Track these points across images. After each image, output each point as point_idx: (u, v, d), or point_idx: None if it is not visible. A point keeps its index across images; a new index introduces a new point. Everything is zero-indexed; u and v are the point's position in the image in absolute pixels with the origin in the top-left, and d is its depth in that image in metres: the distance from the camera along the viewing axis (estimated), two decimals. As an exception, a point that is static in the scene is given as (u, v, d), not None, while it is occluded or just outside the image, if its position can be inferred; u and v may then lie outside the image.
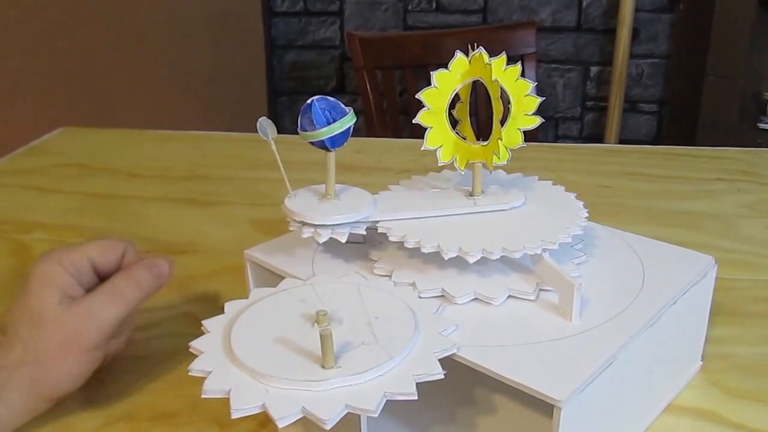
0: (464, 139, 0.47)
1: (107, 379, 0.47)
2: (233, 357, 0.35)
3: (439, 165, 0.47)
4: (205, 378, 0.34)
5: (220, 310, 0.39)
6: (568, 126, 2.08)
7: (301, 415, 0.32)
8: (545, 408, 0.33)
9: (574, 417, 0.33)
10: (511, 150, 0.44)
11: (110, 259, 0.46)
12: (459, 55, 0.45)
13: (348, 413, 0.32)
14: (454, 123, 0.47)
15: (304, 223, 0.43)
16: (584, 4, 1.95)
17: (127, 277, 0.44)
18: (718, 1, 1.71)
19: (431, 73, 0.45)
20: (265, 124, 0.43)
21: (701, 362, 0.48)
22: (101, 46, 1.89)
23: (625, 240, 0.49)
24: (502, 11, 1.98)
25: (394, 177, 0.54)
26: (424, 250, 0.41)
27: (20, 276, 0.61)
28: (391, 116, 1.61)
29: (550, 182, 0.51)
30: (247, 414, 0.32)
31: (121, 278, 0.44)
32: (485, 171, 0.46)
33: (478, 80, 0.45)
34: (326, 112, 0.42)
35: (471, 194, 0.47)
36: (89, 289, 0.44)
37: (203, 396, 0.33)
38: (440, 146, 0.46)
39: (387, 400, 0.32)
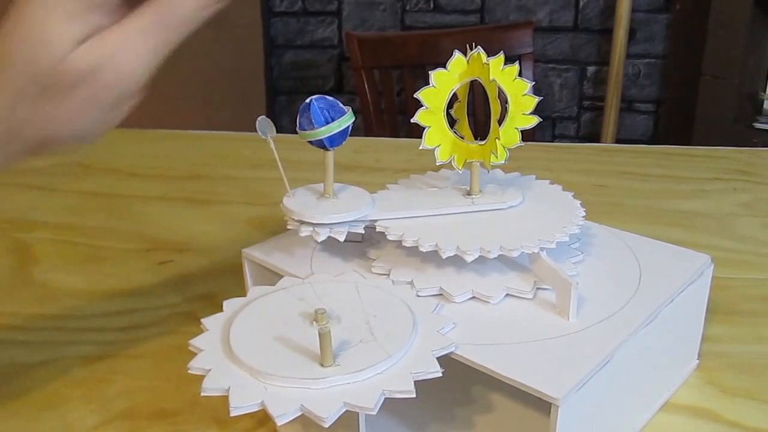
0: (462, 138, 0.47)
1: (107, 377, 0.47)
2: (232, 355, 0.35)
3: (437, 164, 0.47)
4: (204, 376, 0.34)
5: (219, 309, 0.40)
6: (565, 125, 2.08)
7: (300, 413, 0.32)
8: (543, 406, 0.33)
9: (572, 415, 0.34)
10: (509, 149, 0.44)
11: None
12: (457, 54, 0.45)
13: (346, 411, 0.32)
14: (452, 122, 0.47)
15: (302, 222, 0.43)
16: (581, 4, 1.95)
17: (162, 12, 0.33)
18: (714, 2, 1.72)
19: (429, 72, 0.45)
20: (264, 123, 0.44)
21: (697, 360, 0.48)
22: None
23: (622, 239, 0.49)
24: (500, 11, 1.99)
25: (392, 176, 0.54)
26: (422, 249, 0.42)
27: (20, 275, 0.62)
28: (389, 116, 1.61)
29: (547, 181, 0.51)
30: (246, 412, 0.32)
31: (156, 9, 0.33)
32: (483, 170, 0.46)
33: (476, 80, 0.45)
34: (325, 111, 0.42)
35: (469, 193, 0.47)
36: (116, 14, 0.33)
37: (202, 394, 0.33)
38: (438, 145, 0.46)
39: (385, 398, 0.33)
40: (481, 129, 0.44)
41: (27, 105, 0.33)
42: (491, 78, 0.42)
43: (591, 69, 2.01)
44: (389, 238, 0.43)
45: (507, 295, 0.41)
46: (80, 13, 0.32)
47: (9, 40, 0.32)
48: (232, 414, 0.32)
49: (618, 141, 2.00)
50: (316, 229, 0.43)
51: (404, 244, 0.42)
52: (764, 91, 1.76)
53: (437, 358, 0.35)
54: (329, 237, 0.43)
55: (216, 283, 0.59)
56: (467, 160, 0.46)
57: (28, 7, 0.32)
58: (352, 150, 0.90)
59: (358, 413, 0.34)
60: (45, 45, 0.32)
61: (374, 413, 0.32)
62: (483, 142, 0.45)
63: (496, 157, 0.44)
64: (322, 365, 0.34)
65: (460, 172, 0.47)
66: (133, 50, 0.33)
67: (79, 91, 0.33)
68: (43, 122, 0.33)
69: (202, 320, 0.39)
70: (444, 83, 0.45)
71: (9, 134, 0.33)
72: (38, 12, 0.32)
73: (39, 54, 0.32)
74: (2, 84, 0.33)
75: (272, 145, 0.44)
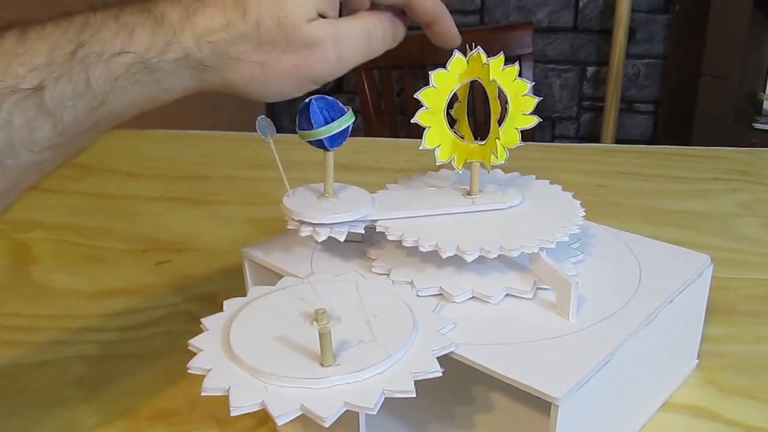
0: (462, 138, 0.47)
1: (107, 377, 0.48)
2: (232, 355, 0.35)
3: (437, 164, 0.47)
4: (204, 376, 0.34)
5: (219, 309, 0.40)
6: (564, 126, 2.08)
7: (300, 413, 0.32)
8: (543, 406, 0.33)
9: (572, 414, 0.34)
10: (509, 149, 0.45)
11: None
12: (457, 54, 0.45)
13: (347, 411, 0.32)
14: (452, 122, 0.47)
15: (302, 222, 0.43)
16: (581, 4, 1.95)
17: (383, 24, 0.41)
18: (713, 2, 1.72)
19: (429, 72, 0.45)
20: (263, 123, 0.44)
21: (697, 360, 0.48)
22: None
23: (621, 239, 0.49)
24: (500, 12, 1.99)
25: (392, 176, 0.54)
26: (422, 249, 0.42)
27: (20, 275, 0.62)
28: (389, 116, 1.61)
29: (547, 181, 0.51)
30: (246, 412, 0.32)
31: (380, 20, 0.41)
32: (483, 170, 0.46)
33: (476, 80, 0.45)
34: (325, 111, 0.42)
35: (469, 193, 0.47)
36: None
37: (202, 394, 0.33)
38: (438, 145, 0.46)
39: (385, 398, 0.33)
40: (481, 129, 0.44)
41: (249, 45, 0.37)
42: (491, 78, 0.42)
43: (591, 69, 2.01)
44: (389, 238, 0.43)
45: (507, 295, 0.41)
46: None
47: None
48: (233, 414, 0.32)
49: (618, 141, 2.00)
50: (316, 229, 0.43)
51: (404, 244, 0.42)
52: (764, 92, 1.76)
53: (437, 358, 0.35)
54: (329, 237, 0.43)
55: (216, 283, 0.59)
56: (467, 160, 0.46)
57: None
58: (352, 150, 0.90)
59: (358, 413, 0.34)
60: (297, 2, 0.37)
61: (374, 413, 0.32)
62: (483, 142, 0.45)
63: (496, 157, 0.44)
64: (322, 365, 0.34)
65: (460, 172, 0.47)
66: (353, 43, 0.39)
67: (299, 56, 0.38)
68: (251, 67, 0.37)
69: (202, 320, 0.39)
70: (444, 83, 0.45)
71: (217, 63, 0.36)
72: None
73: (290, 7, 0.37)
74: (240, 17, 0.36)
75: (272, 145, 0.44)
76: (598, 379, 0.35)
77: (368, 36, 0.40)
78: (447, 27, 0.44)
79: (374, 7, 0.42)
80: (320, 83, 0.40)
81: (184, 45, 0.36)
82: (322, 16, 0.39)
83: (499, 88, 0.43)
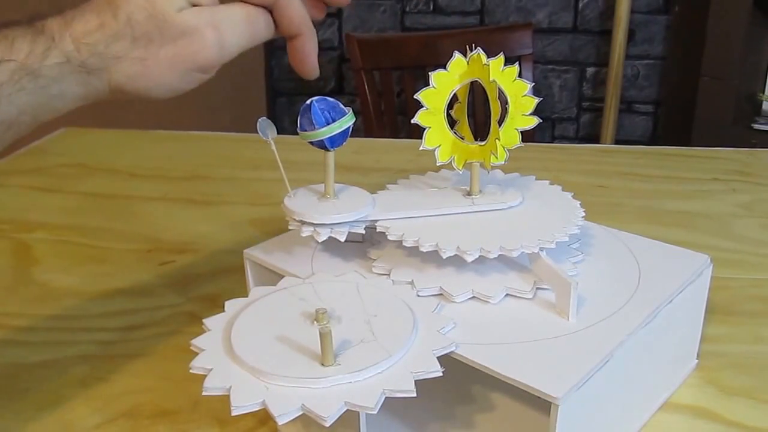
0: (462, 139, 0.47)
1: (108, 377, 0.48)
2: (233, 355, 0.35)
3: (437, 165, 0.47)
4: (205, 376, 0.34)
5: (221, 309, 0.40)
6: (564, 127, 2.08)
7: (301, 413, 0.32)
8: (543, 405, 0.34)
9: (572, 414, 0.34)
10: (509, 150, 0.45)
11: None
12: (457, 55, 0.45)
13: (347, 410, 0.32)
14: (452, 123, 0.47)
15: (303, 223, 0.43)
16: (580, 5, 1.95)
17: (264, 11, 0.41)
18: (713, 3, 1.72)
19: (429, 73, 0.45)
20: (264, 124, 0.44)
21: (697, 360, 0.48)
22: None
23: (621, 239, 0.49)
24: (499, 13, 1.99)
25: (392, 177, 0.54)
26: (423, 249, 0.42)
27: (21, 276, 0.62)
28: (390, 117, 1.61)
29: (547, 182, 0.51)
30: (247, 411, 0.32)
31: (260, 8, 0.41)
32: (483, 171, 0.47)
33: (476, 81, 0.45)
34: (326, 112, 0.42)
35: (469, 193, 0.47)
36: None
37: (204, 393, 0.33)
38: (438, 146, 0.47)
39: (386, 398, 0.33)
40: (481, 129, 0.44)
41: (126, 43, 0.37)
42: (491, 79, 0.43)
43: (590, 70, 2.01)
44: (390, 238, 0.43)
45: (507, 295, 0.41)
46: None
47: None
48: (234, 413, 0.32)
49: (617, 142, 2.00)
50: (317, 229, 0.43)
51: (405, 244, 0.43)
52: (763, 92, 1.77)
53: (438, 358, 0.35)
54: (330, 237, 0.43)
55: (217, 283, 0.60)
56: (467, 161, 0.47)
57: None
58: (352, 151, 0.90)
59: (358, 412, 0.34)
60: None
61: (375, 412, 0.32)
62: (483, 143, 0.45)
63: (496, 158, 0.44)
64: (322, 365, 0.34)
65: (460, 172, 0.47)
66: (234, 28, 0.39)
67: (177, 46, 0.38)
68: (131, 63, 0.38)
69: (204, 320, 0.39)
70: (444, 84, 0.45)
71: (98, 65, 0.37)
72: None
73: (157, 0, 0.37)
74: (112, 17, 0.37)
75: (273, 146, 0.44)
76: (597, 379, 0.35)
77: (250, 20, 0.40)
78: (308, 49, 0.43)
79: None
80: (207, 71, 0.40)
81: (64, 49, 0.37)
82: (196, 5, 0.39)
83: (499, 89, 0.43)
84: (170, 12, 0.38)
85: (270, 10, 0.42)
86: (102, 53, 0.37)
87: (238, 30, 0.40)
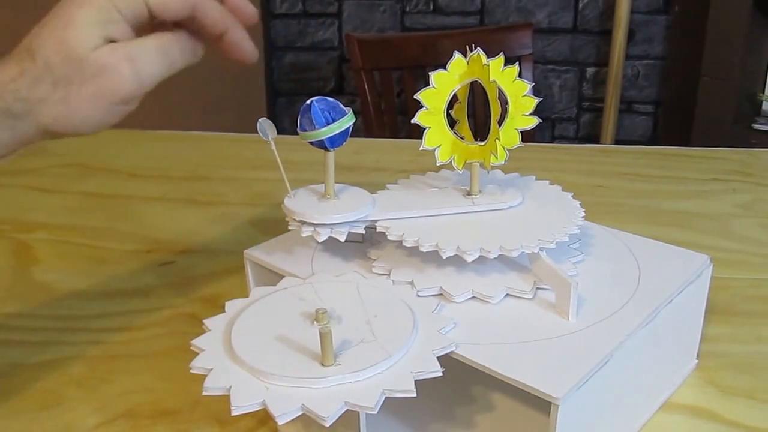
0: (462, 139, 0.47)
1: (108, 377, 0.48)
2: (234, 355, 0.35)
3: (438, 165, 0.47)
4: (205, 376, 0.34)
5: (221, 309, 0.40)
6: (564, 127, 2.08)
7: (301, 413, 0.32)
8: (543, 405, 0.34)
9: (572, 414, 0.34)
10: (509, 150, 0.45)
11: (173, 8, 0.41)
12: (457, 55, 0.45)
13: (347, 410, 0.32)
14: (452, 123, 0.47)
15: (303, 223, 0.43)
16: (580, 5, 1.96)
17: (179, 39, 0.42)
18: (713, 3, 1.72)
19: (429, 73, 0.45)
20: (264, 124, 0.44)
21: (697, 360, 0.48)
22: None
23: (621, 239, 0.49)
24: (499, 13, 1.99)
25: (392, 177, 0.54)
26: (423, 249, 0.42)
27: (21, 276, 0.62)
28: (390, 117, 1.61)
29: (547, 182, 0.51)
30: (247, 411, 0.32)
31: (174, 36, 0.42)
32: (483, 171, 0.47)
33: (476, 81, 0.45)
34: (326, 112, 0.42)
35: (469, 194, 0.47)
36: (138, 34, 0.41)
37: (204, 393, 0.33)
38: (438, 146, 0.47)
39: (386, 398, 0.33)
40: (481, 130, 0.44)
41: (47, 85, 0.39)
42: (491, 79, 0.43)
43: (590, 70, 2.01)
44: (390, 238, 0.43)
45: (507, 295, 0.41)
46: (111, 18, 0.39)
47: (47, 26, 0.39)
48: (234, 413, 0.32)
49: (617, 142, 2.00)
50: (317, 229, 0.43)
51: (405, 244, 0.43)
52: (763, 92, 1.77)
53: (438, 358, 0.35)
54: (330, 237, 0.43)
55: (218, 284, 0.60)
56: (467, 161, 0.47)
57: (67, 4, 0.39)
58: (352, 151, 0.90)
59: (358, 412, 0.34)
60: (78, 35, 0.39)
61: (375, 412, 0.32)
62: (483, 143, 0.45)
63: (496, 158, 0.44)
64: (323, 365, 0.34)
65: (460, 172, 0.47)
66: (149, 60, 0.40)
67: (95, 83, 0.39)
68: (55, 105, 0.39)
69: (204, 321, 0.39)
70: (444, 84, 0.45)
71: (23, 110, 0.39)
72: (76, 9, 0.39)
73: (71, 41, 0.38)
74: (31, 63, 0.39)
75: (273, 146, 0.44)
76: (597, 379, 0.35)
77: (164, 51, 0.41)
78: (239, 37, 0.44)
79: (173, 26, 0.43)
80: (129, 102, 0.41)
81: None
82: (112, 41, 0.40)
83: (499, 89, 0.43)
84: (85, 52, 0.39)
85: (191, 26, 0.43)
86: (26, 98, 0.39)
87: (153, 61, 0.41)
